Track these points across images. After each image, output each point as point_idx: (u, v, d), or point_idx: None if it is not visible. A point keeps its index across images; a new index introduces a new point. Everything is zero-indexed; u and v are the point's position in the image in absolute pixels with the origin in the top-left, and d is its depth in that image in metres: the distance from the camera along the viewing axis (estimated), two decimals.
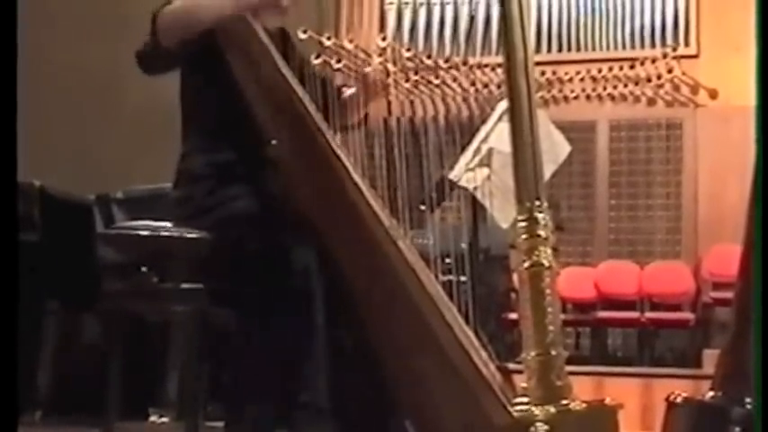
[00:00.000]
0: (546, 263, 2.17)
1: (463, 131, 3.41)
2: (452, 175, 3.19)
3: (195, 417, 2.88)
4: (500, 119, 3.19)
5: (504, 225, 3.03)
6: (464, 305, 2.47)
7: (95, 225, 4.82)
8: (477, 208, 3.29)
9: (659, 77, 7.81)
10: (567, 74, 7.99)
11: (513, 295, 6.24)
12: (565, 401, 2.12)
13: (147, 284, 2.73)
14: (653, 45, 7.89)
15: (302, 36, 3.02)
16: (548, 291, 2.16)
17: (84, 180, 5.84)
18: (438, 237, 2.60)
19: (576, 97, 7.99)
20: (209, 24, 2.62)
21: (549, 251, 2.19)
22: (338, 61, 3.13)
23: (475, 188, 3.18)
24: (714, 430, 2.10)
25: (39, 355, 4.86)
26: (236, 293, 2.55)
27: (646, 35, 7.92)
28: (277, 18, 2.78)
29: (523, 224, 2.19)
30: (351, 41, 5.17)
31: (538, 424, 2.10)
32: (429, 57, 7.75)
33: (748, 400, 2.02)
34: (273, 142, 2.64)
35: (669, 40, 7.84)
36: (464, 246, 2.87)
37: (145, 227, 2.80)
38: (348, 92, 2.89)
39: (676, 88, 7.82)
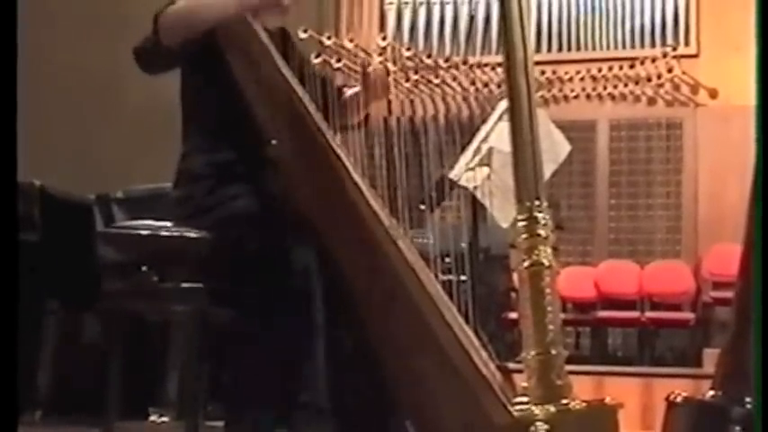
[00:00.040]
0: (546, 262, 2.17)
1: (463, 131, 3.41)
2: (452, 175, 3.19)
3: (195, 417, 2.87)
4: (500, 118, 3.19)
5: (504, 224, 3.03)
6: (464, 305, 2.46)
7: (95, 225, 4.81)
8: (477, 207, 3.29)
9: (659, 77, 7.81)
10: (567, 73, 7.99)
11: (513, 295, 6.24)
12: (565, 401, 2.12)
13: (147, 284, 2.73)
14: (653, 44, 7.89)
15: (302, 35, 3.02)
16: (548, 290, 2.16)
17: (84, 180, 5.84)
18: (438, 236, 2.60)
19: (576, 97, 7.99)
20: (212, 24, 2.62)
21: (549, 250, 2.18)
22: (338, 61, 3.12)
23: (475, 187, 3.17)
24: (714, 430, 2.10)
25: (39, 355, 4.85)
26: (236, 293, 2.55)
27: (646, 34, 7.92)
28: (277, 17, 2.78)
29: (523, 223, 2.19)
30: (351, 41, 5.16)
31: (538, 423, 2.10)
32: (429, 56, 7.74)
33: (748, 399, 2.01)
34: (273, 142, 2.64)
35: (669, 40, 7.84)
36: (464, 245, 2.87)
37: (145, 226, 2.80)
38: (350, 91, 2.88)
39: (676, 88, 7.82)
